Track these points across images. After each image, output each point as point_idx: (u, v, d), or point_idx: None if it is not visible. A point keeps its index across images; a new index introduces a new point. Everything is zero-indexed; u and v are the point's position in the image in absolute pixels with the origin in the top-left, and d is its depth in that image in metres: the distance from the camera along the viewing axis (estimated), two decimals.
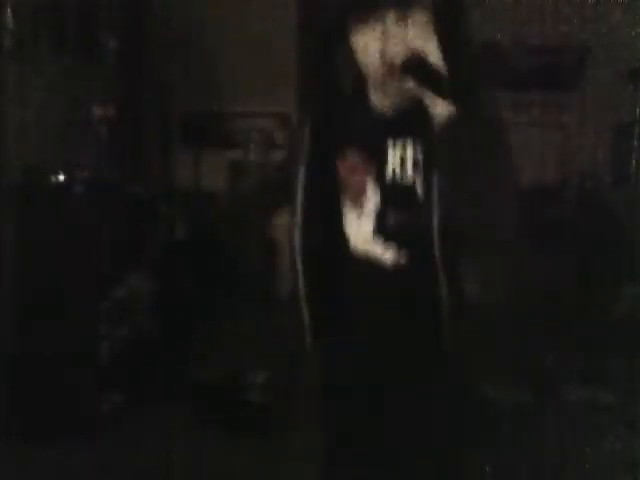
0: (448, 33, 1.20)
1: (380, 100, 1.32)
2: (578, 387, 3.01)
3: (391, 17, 1.20)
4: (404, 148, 1.31)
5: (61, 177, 2.94)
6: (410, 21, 1.19)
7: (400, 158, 1.31)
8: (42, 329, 2.68)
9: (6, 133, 2.72)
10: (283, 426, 2.50)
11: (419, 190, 1.29)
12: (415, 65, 1.18)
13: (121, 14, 3.70)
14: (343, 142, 1.34)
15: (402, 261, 1.31)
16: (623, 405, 2.81)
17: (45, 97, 3.16)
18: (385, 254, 1.32)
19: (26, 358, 2.60)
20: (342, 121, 1.35)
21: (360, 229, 1.36)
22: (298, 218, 1.36)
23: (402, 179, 1.31)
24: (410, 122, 1.30)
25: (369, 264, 1.34)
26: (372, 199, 1.34)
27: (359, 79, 1.32)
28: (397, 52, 1.20)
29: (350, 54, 1.29)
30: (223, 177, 4.43)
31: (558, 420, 2.74)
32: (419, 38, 1.19)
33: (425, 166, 1.29)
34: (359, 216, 1.35)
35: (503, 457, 2.38)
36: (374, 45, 1.23)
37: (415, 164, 1.30)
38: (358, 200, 1.34)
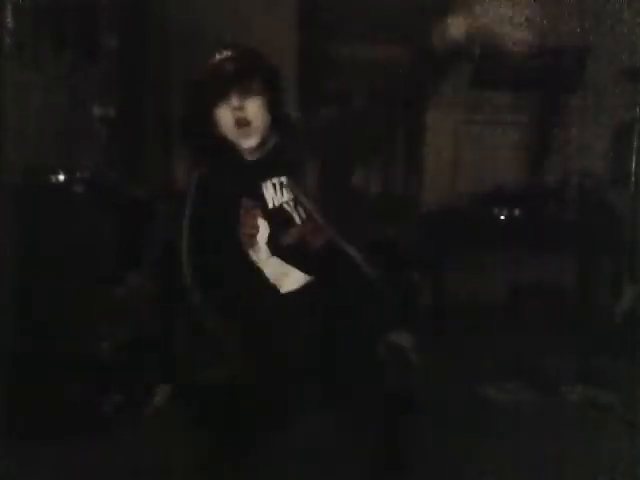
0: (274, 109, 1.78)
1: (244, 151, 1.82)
2: (578, 387, 3.01)
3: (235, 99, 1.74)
4: (274, 183, 1.78)
5: (61, 177, 2.94)
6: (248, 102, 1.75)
7: (273, 190, 1.78)
8: (42, 329, 2.68)
9: (6, 133, 2.72)
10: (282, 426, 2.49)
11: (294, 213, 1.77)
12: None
13: (121, 14, 3.69)
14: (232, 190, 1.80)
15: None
16: (623, 405, 2.81)
17: (45, 97, 3.16)
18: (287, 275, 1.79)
19: (26, 358, 2.60)
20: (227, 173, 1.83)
21: (259, 257, 1.79)
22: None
23: (280, 207, 1.77)
24: (273, 161, 1.80)
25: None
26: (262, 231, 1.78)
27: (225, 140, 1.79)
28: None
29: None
30: None
31: (558, 420, 2.74)
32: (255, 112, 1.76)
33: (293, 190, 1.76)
34: (255, 249, 1.79)
35: (503, 457, 2.38)
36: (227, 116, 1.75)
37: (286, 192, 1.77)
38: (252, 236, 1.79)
